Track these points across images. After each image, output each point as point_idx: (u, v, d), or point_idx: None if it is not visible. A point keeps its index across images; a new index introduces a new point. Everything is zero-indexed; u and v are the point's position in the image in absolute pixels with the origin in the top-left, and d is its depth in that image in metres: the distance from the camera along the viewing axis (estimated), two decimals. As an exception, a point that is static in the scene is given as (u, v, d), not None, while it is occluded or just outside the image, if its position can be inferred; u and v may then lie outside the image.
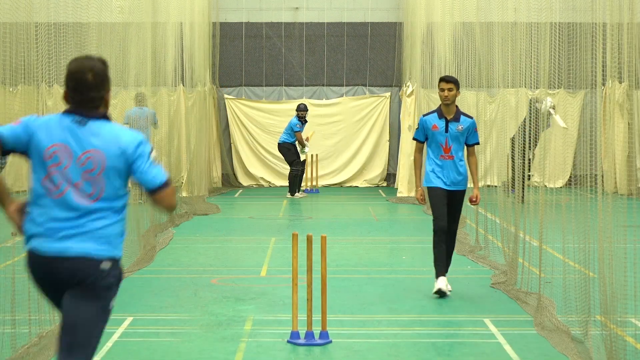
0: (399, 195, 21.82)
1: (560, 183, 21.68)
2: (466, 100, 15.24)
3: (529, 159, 12.07)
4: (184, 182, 19.96)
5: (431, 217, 10.58)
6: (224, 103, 25.06)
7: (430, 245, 10.51)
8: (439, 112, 10.39)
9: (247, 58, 25.16)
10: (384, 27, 25.04)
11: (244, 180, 25.06)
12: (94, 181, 4.88)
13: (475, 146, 10.53)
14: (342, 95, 25.13)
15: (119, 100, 13.85)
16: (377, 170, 25.02)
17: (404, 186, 21.84)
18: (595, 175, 7.82)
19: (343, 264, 12.55)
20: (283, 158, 22.49)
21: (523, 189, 11.92)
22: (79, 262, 4.83)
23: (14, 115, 8.83)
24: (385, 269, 12.30)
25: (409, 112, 22.10)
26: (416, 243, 14.85)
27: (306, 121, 22.04)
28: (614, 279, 7.25)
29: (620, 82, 19.20)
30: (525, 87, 11.89)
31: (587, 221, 8.12)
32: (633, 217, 8.42)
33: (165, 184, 4.95)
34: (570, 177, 22.24)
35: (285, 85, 25.17)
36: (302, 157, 22.01)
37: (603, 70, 7.87)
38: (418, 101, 21.18)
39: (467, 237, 14.29)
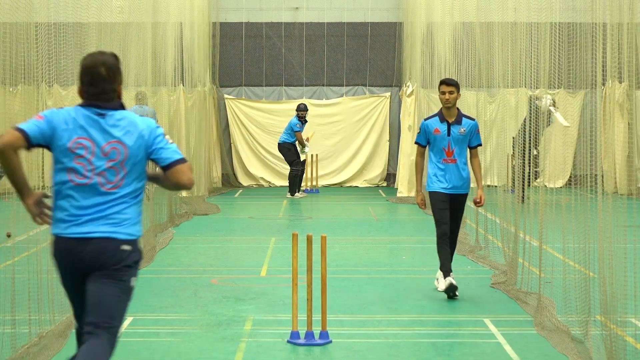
0: (399, 195, 21.82)
1: (560, 183, 21.68)
2: (466, 100, 15.24)
3: (535, 156, 12.06)
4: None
5: (431, 217, 10.58)
6: (224, 103, 25.06)
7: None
8: (441, 115, 10.32)
9: (247, 58, 25.17)
10: (384, 27, 25.04)
11: (244, 180, 25.06)
12: (117, 169, 5.19)
13: (478, 147, 10.47)
14: (342, 95, 25.13)
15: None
16: (377, 170, 25.02)
17: (404, 186, 21.84)
18: (595, 175, 7.82)
19: (343, 264, 12.55)
20: (283, 158, 22.49)
21: (523, 189, 11.91)
22: (101, 243, 5.13)
23: (14, 115, 8.83)
24: (385, 269, 12.30)
25: (409, 112, 22.10)
26: (416, 243, 14.86)
27: (306, 121, 22.04)
28: (614, 279, 7.25)
29: (620, 82, 19.20)
30: (525, 87, 11.89)
31: (587, 221, 8.11)
32: (633, 217, 8.42)
33: (183, 159, 5.26)
34: (570, 177, 22.24)
35: (285, 85, 25.17)
36: (302, 157, 22.02)
37: (603, 70, 7.87)
38: (418, 101, 21.18)
39: (467, 237, 14.29)
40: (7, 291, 7.86)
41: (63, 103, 10.91)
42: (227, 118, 25.05)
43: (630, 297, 7.29)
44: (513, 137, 13.47)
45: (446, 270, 10.18)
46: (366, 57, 25.12)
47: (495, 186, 13.40)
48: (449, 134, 10.24)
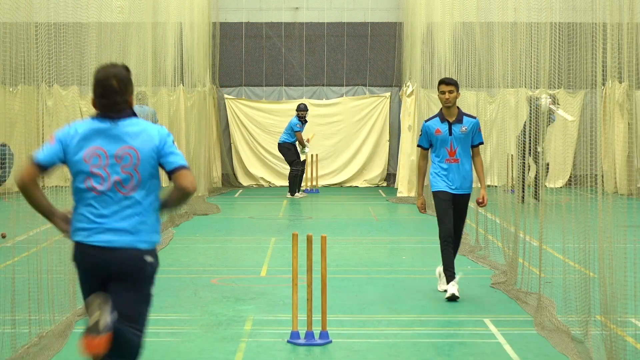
0: (399, 195, 21.82)
1: (560, 183, 21.69)
2: (466, 100, 15.24)
3: (539, 152, 12.05)
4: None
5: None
6: (224, 103, 25.06)
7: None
8: (441, 115, 10.24)
9: (247, 58, 25.17)
10: (384, 27, 25.04)
11: (244, 180, 25.07)
12: (132, 175, 5.39)
13: (480, 146, 10.38)
14: (342, 95, 25.13)
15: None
16: (377, 170, 25.02)
17: (404, 186, 21.85)
18: (595, 175, 7.82)
19: (343, 264, 12.55)
20: (283, 158, 22.49)
21: (523, 189, 11.91)
22: (124, 253, 5.35)
23: (14, 116, 8.84)
24: (385, 269, 12.30)
25: (409, 112, 22.11)
26: (416, 243, 14.86)
27: (306, 121, 22.05)
28: (614, 279, 7.25)
29: (620, 82, 19.19)
30: (525, 87, 11.88)
31: (587, 221, 8.11)
32: (633, 217, 8.41)
33: (186, 166, 5.46)
34: (570, 177, 22.25)
35: (285, 85, 25.17)
36: (302, 157, 22.02)
37: (603, 70, 7.87)
38: (418, 101, 21.18)
39: (467, 237, 14.28)
40: (7, 291, 7.87)
41: (63, 103, 10.91)
42: (227, 118, 25.06)
43: (630, 297, 7.29)
44: (517, 136, 13.46)
45: (450, 275, 10.13)
46: (366, 57, 25.12)
47: (496, 186, 13.40)
48: (450, 134, 10.16)
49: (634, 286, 7.24)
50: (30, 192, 5.38)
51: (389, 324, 9.12)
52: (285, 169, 23.42)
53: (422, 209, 10.43)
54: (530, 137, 11.53)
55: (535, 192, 12.52)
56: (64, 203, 9.37)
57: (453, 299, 10.05)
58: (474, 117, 10.38)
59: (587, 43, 8.74)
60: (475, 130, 10.24)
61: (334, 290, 10.32)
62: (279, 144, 22.08)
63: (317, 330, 8.33)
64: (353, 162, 24.96)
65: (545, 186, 10.88)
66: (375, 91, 25.15)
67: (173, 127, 18.37)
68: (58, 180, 9.82)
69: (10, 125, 9.24)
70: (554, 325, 8.71)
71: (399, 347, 8.25)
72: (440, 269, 10.47)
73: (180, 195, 5.46)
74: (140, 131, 5.43)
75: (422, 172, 10.40)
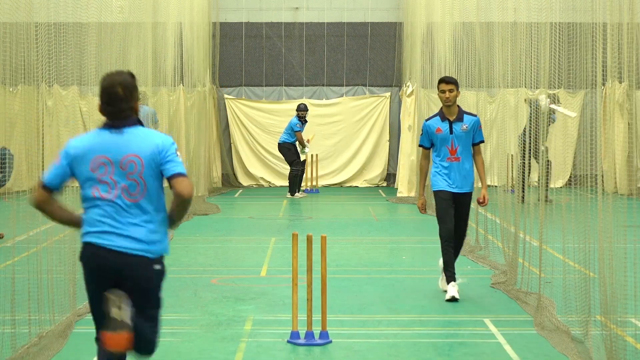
0: (399, 195, 21.82)
1: (560, 183, 21.69)
2: (466, 100, 15.23)
3: (542, 151, 12.05)
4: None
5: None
6: (224, 103, 25.06)
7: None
8: (441, 114, 10.20)
9: (247, 58, 25.17)
10: (384, 27, 25.04)
11: (244, 180, 25.07)
12: (137, 182, 5.54)
13: (481, 144, 10.33)
14: (342, 95, 25.13)
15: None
16: (377, 170, 25.02)
17: (404, 186, 21.85)
18: (595, 175, 7.82)
19: (343, 264, 12.55)
20: (283, 158, 22.49)
21: (523, 189, 11.91)
22: (136, 260, 5.50)
23: (14, 116, 8.83)
24: (385, 269, 12.30)
25: (409, 112, 22.11)
26: (416, 243, 14.86)
27: (306, 121, 22.05)
28: (614, 279, 7.25)
29: (620, 82, 19.20)
30: (525, 87, 11.88)
31: (587, 221, 8.11)
32: (633, 217, 8.41)
33: (184, 174, 5.58)
34: (570, 177, 22.24)
35: (285, 85, 25.17)
36: (302, 157, 22.02)
37: (603, 70, 7.87)
38: (418, 101, 21.18)
39: (467, 237, 14.25)
40: (7, 291, 7.86)
41: (63, 103, 10.90)
42: (227, 118, 25.05)
43: (630, 297, 7.29)
44: (519, 136, 13.45)
45: (450, 275, 10.11)
46: (366, 57, 25.12)
47: (496, 186, 13.40)
48: (451, 132, 10.11)
49: (634, 286, 7.24)
50: (45, 211, 5.63)
51: (389, 324, 9.12)
52: (285, 169, 23.42)
53: (423, 209, 10.38)
54: (531, 137, 11.53)
55: (545, 195, 12.45)
56: (63, 203, 9.37)
57: (453, 300, 10.05)
58: (475, 115, 10.35)
59: (587, 43, 8.74)
60: (476, 128, 10.19)
61: (334, 290, 10.32)
62: (279, 144, 22.08)
63: (317, 330, 8.33)
64: (353, 162, 24.95)
65: (546, 186, 10.87)
66: (375, 91, 25.15)
67: (173, 127, 18.37)
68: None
69: (10, 125, 9.24)
70: (554, 325, 8.71)
71: (399, 347, 8.26)
72: (442, 261, 10.37)
73: (179, 202, 5.57)
74: (144, 139, 5.58)
75: (423, 172, 10.36)
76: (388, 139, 24.94)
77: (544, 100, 11.96)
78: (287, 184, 22.80)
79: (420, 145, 10.36)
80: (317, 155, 24.13)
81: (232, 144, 25.07)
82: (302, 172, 22.20)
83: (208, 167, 22.64)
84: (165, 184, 5.67)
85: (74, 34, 10.22)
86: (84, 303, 9.52)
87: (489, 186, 10.84)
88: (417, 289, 10.79)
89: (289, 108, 24.06)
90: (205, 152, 21.81)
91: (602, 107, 9.74)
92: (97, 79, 10.38)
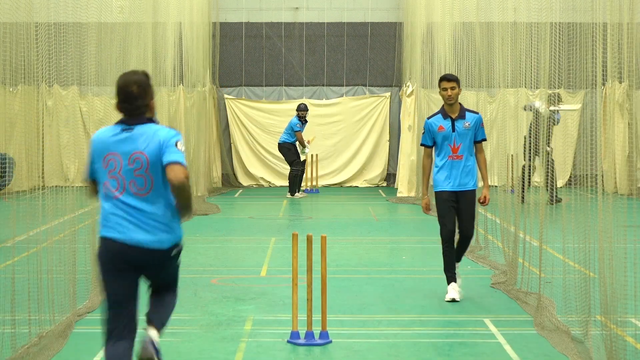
0: (399, 195, 21.82)
1: (560, 183, 21.69)
2: (466, 100, 15.22)
3: (547, 152, 12.07)
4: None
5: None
6: (224, 103, 25.06)
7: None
8: (443, 112, 10.11)
9: (247, 58, 25.17)
10: (384, 27, 25.04)
11: (244, 180, 25.07)
12: (145, 177, 5.80)
13: (483, 142, 10.21)
14: (342, 95, 25.13)
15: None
16: (377, 170, 25.02)
17: (404, 186, 21.85)
18: (595, 175, 7.82)
19: (343, 264, 12.54)
20: (283, 158, 22.49)
21: (523, 189, 11.91)
22: (153, 254, 5.85)
23: (14, 115, 8.83)
24: (385, 269, 12.30)
25: (409, 112, 22.11)
26: (416, 243, 14.86)
27: (306, 121, 22.05)
28: (614, 279, 7.25)
29: (620, 82, 19.20)
30: (525, 87, 11.88)
31: (587, 221, 8.11)
32: (633, 217, 8.41)
33: (180, 163, 5.76)
34: (570, 177, 22.25)
35: (285, 85, 25.17)
36: (302, 157, 22.02)
37: (603, 70, 7.86)
38: (418, 101, 21.18)
39: (468, 237, 14.28)
40: (7, 291, 7.86)
41: (63, 103, 10.92)
42: (227, 118, 25.06)
43: (630, 297, 7.29)
44: (524, 137, 13.44)
45: (450, 276, 10.07)
46: (366, 57, 25.12)
47: (496, 186, 13.40)
48: (453, 130, 10.01)
49: (634, 286, 7.24)
50: (94, 199, 6.13)
51: (389, 324, 9.12)
52: (285, 169, 23.42)
53: (427, 209, 10.28)
54: (536, 139, 11.51)
55: (553, 196, 12.48)
56: (63, 203, 9.38)
57: (453, 301, 10.03)
58: (477, 113, 10.27)
59: (587, 43, 8.74)
60: (478, 125, 10.08)
61: (334, 290, 10.32)
62: (279, 144, 22.07)
63: (317, 330, 8.33)
64: (353, 162, 24.96)
65: (546, 186, 10.87)
66: (375, 91, 25.15)
67: (173, 127, 18.34)
68: (58, 180, 9.83)
69: (10, 125, 9.24)
70: (554, 325, 8.71)
71: (399, 347, 8.26)
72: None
73: (172, 190, 5.80)
74: (152, 135, 5.83)
75: (426, 172, 10.25)
76: (388, 139, 24.94)
77: (542, 106, 11.96)
78: (287, 184, 22.80)
79: (422, 144, 10.23)
80: (317, 155, 24.13)
81: (232, 144, 25.07)
82: (302, 172, 22.20)
83: (208, 167, 22.64)
84: None
85: (74, 34, 10.22)
86: (84, 303, 9.53)
87: (488, 186, 10.78)
88: (417, 289, 10.79)
89: (289, 108, 24.06)
90: (205, 152, 21.81)
91: (602, 107, 9.74)
92: (97, 79, 10.40)
